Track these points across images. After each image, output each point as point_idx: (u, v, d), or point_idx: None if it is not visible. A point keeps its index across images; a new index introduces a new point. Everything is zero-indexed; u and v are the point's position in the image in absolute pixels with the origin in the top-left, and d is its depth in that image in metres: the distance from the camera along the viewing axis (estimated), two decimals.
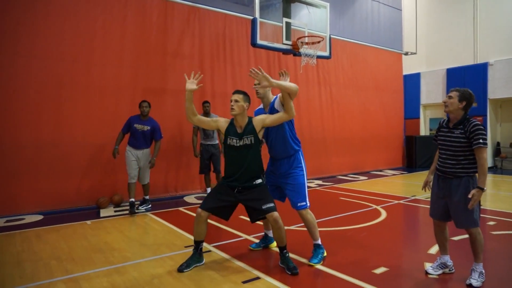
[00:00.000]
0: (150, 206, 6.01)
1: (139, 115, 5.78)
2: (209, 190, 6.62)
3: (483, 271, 2.95)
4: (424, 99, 12.68)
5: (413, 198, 6.67)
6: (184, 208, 6.03)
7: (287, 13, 6.53)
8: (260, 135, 3.40)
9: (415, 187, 7.97)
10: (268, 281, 3.04)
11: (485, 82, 10.96)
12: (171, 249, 3.91)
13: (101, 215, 5.61)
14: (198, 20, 7.40)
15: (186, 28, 7.25)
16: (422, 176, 9.25)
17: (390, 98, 11.61)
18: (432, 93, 12.38)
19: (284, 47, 6.48)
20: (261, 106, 3.73)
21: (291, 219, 4.65)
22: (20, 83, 5.55)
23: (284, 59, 8.65)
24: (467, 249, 3.18)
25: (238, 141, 3.33)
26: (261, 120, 3.37)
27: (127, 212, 5.66)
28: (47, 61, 5.75)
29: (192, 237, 3.65)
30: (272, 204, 3.26)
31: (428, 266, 3.24)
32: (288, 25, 6.49)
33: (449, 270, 3.15)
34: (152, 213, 5.68)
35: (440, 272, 3.14)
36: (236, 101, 3.32)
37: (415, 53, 12.14)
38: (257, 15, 6.06)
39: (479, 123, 2.89)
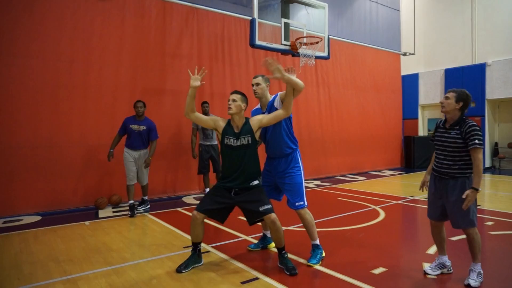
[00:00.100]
0: (148, 206, 6.00)
1: (134, 116, 5.74)
2: (207, 190, 6.62)
3: (481, 271, 2.96)
4: (422, 99, 12.70)
5: (412, 198, 6.69)
6: (183, 209, 6.02)
7: (285, 14, 6.54)
8: (257, 136, 3.39)
9: (413, 188, 7.98)
10: (266, 282, 3.04)
11: (483, 83, 10.98)
12: (169, 250, 3.91)
13: (100, 215, 5.60)
14: (197, 20, 7.39)
15: (185, 28, 7.24)
16: (421, 177, 9.25)
17: (388, 99, 11.63)
18: (430, 93, 12.40)
19: (283, 47, 6.49)
20: (258, 106, 3.73)
21: (290, 220, 4.66)
22: (18, 84, 5.53)
23: (283, 59, 8.64)
24: (465, 249, 3.18)
25: (235, 141, 3.32)
26: (258, 121, 3.37)
27: (125, 212, 5.65)
28: (45, 62, 5.73)
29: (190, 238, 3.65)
30: (269, 206, 3.25)
31: (426, 266, 3.24)
32: (286, 25, 6.50)
33: (448, 270, 3.16)
34: (151, 214, 5.68)
35: (438, 272, 3.15)
36: (234, 100, 3.32)
37: (413, 54, 12.17)
38: (255, 15, 6.07)
39: (475, 123, 2.90)
